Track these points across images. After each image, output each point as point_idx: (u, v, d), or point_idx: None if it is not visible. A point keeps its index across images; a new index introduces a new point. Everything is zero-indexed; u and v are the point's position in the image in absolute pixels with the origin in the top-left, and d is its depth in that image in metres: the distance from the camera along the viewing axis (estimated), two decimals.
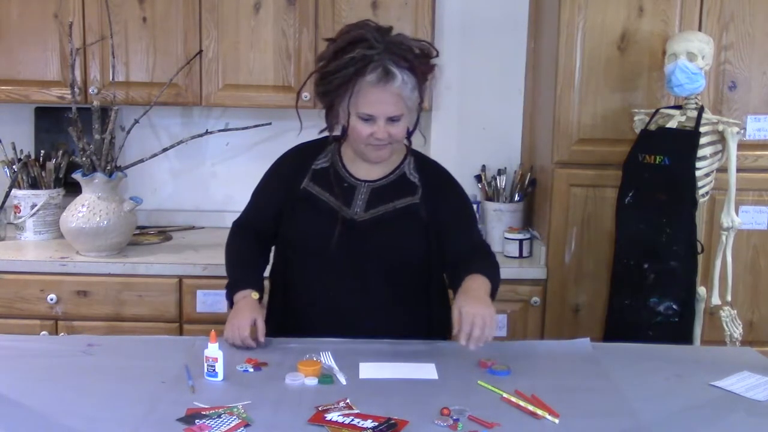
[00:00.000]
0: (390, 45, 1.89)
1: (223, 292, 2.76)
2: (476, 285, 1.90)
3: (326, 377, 1.77)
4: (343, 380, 1.76)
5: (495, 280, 1.98)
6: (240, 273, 2.10)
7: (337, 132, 2.05)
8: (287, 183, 2.10)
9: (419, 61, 1.92)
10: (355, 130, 1.95)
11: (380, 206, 2.03)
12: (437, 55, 1.98)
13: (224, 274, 2.77)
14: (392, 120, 1.93)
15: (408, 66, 1.89)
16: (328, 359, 1.85)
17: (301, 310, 2.10)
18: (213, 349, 1.76)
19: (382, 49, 1.88)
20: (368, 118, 1.92)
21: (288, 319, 2.11)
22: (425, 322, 2.11)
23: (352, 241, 2.00)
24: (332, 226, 2.01)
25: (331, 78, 1.92)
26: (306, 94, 3.00)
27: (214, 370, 1.76)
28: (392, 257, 2.03)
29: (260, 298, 2.05)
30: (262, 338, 1.95)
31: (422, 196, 2.04)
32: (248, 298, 2.01)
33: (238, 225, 2.22)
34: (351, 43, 1.90)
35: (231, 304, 2.05)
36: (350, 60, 1.88)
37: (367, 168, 2.07)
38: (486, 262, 2.03)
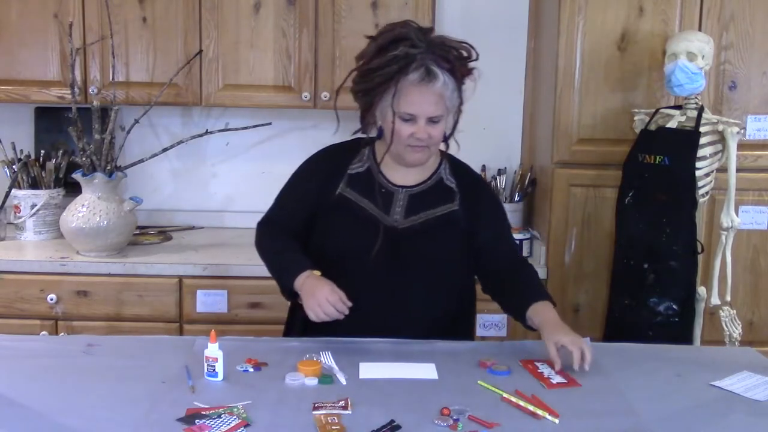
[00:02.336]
0: (432, 45, 1.87)
1: (223, 292, 2.80)
2: (552, 315, 1.93)
3: (326, 377, 1.77)
4: (343, 380, 1.76)
5: (548, 292, 2.06)
6: (290, 261, 1.99)
7: (372, 133, 2.01)
8: (320, 187, 2.04)
9: (460, 62, 1.90)
10: (395, 131, 1.91)
11: (420, 213, 2.00)
12: (477, 58, 1.93)
13: (224, 274, 2.81)
14: (432, 121, 1.90)
15: (449, 67, 1.87)
16: (328, 359, 1.85)
17: (332, 322, 1.93)
18: (213, 349, 1.76)
19: (424, 49, 1.86)
20: (409, 118, 1.89)
21: (313, 331, 2.01)
22: (451, 322, 2.08)
23: (393, 250, 1.97)
24: (372, 233, 1.97)
25: (373, 75, 1.89)
26: (306, 94, 3.02)
27: (214, 370, 1.76)
28: (433, 266, 1.99)
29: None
30: (348, 302, 1.88)
31: (460, 203, 2.03)
32: (311, 276, 1.92)
33: (264, 224, 2.14)
34: (394, 41, 1.87)
35: (288, 293, 1.97)
36: (393, 58, 1.85)
37: (403, 173, 2.03)
38: (537, 280, 2.09)
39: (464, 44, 1.92)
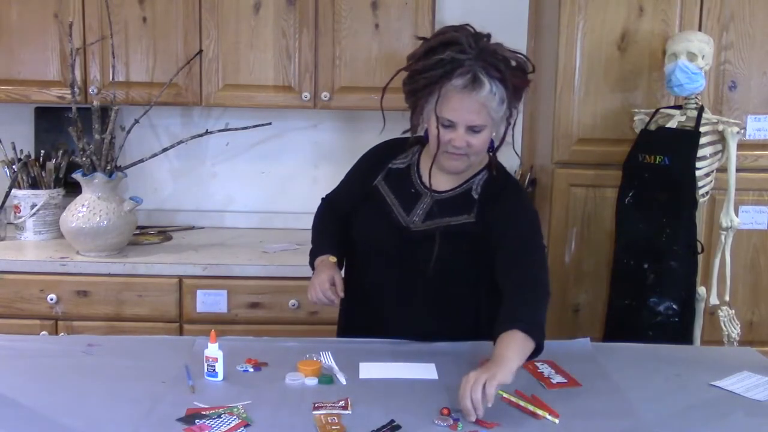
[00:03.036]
0: (483, 52, 1.82)
1: (223, 292, 2.80)
2: (501, 351, 1.68)
3: (326, 377, 1.77)
4: (343, 380, 1.77)
5: (535, 329, 1.72)
6: (320, 242, 2.12)
7: (420, 133, 2.02)
8: (366, 176, 2.08)
9: (512, 73, 1.85)
10: (434, 135, 1.90)
11: (437, 219, 1.97)
12: (533, 70, 1.91)
13: (224, 274, 2.82)
14: (473, 130, 1.86)
15: (499, 77, 1.82)
16: (328, 359, 1.86)
17: (351, 309, 2.10)
18: (213, 349, 1.77)
19: (474, 56, 1.81)
20: (449, 124, 1.86)
21: (346, 318, 2.15)
22: (472, 325, 2.06)
23: (403, 250, 1.99)
24: (388, 231, 2.01)
25: (418, 77, 1.87)
26: (306, 94, 3.02)
27: (214, 370, 1.77)
28: (440, 275, 1.97)
29: (338, 262, 2.06)
30: (341, 293, 1.95)
31: (477, 215, 1.96)
32: (325, 260, 2.02)
33: (326, 201, 2.24)
34: (443, 44, 1.85)
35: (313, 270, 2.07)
36: (439, 61, 1.83)
37: (439, 177, 2.00)
38: (527, 307, 1.77)
39: (519, 55, 1.88)
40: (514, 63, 1.86)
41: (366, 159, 2.14)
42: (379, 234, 2.03)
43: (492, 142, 1.94)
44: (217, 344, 1.78)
